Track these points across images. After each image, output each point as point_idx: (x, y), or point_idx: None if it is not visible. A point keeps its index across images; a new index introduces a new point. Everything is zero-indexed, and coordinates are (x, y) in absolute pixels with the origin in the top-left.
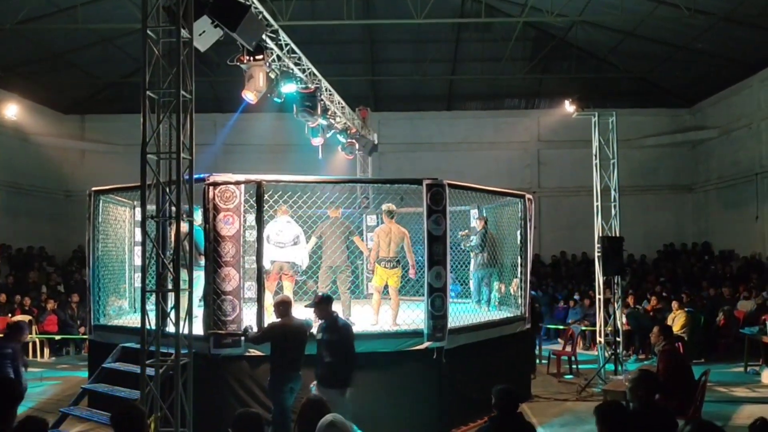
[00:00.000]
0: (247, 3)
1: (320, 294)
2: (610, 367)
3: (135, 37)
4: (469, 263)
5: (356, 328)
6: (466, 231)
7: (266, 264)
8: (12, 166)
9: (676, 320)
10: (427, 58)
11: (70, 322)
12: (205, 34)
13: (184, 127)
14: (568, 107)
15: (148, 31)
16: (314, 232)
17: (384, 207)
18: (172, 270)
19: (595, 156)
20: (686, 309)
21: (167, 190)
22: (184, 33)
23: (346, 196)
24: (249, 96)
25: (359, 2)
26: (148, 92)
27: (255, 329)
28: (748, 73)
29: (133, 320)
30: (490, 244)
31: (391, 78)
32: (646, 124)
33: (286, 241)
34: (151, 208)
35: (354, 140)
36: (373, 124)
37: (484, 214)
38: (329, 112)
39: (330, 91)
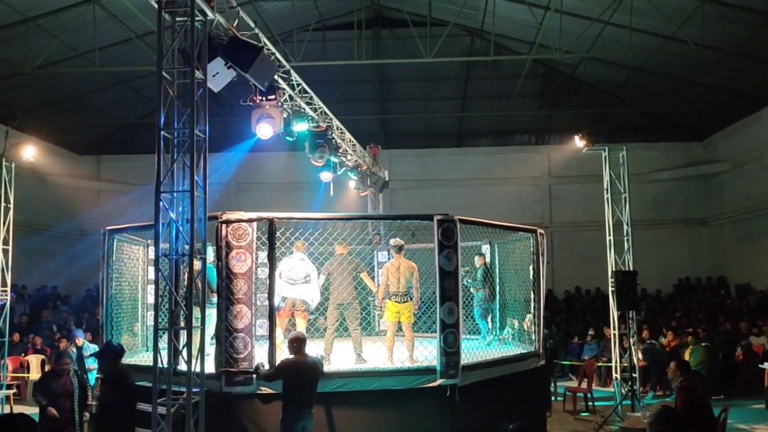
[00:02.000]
0: (260, 45)
1: (113, 344)
2: (627, 403)
3: (150, 78)
4: (471, 298)
5: (369, 365)
6: (467, 268)
7: (277, 300)
8: (28, 206)
9: (694, 355)
10: (437, 96)
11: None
12: (218, 75)
13: (197, 166)
14: (579, 142)
15: (163, 73)
16: (323, 270)
17: (392, 242)
18: (184, 308)
19: (607, 190)
20: (703, 344)
21: (181, 228)
22: (198, 74)
23: (357, 232)
24: (266, 131)
25: (370, 42)
26: (162, 132)
27: (266, 366)
28: (757, 106)
29: (145, 358)
30: (489, 281)
31: (401, 116)
32: (657, 158)
33: (297, 278)
34: (165, 246)
35: (365, 177)
36: (383, 161)
37: (483, 252)
38: (340, 150)
39: (341, 129)
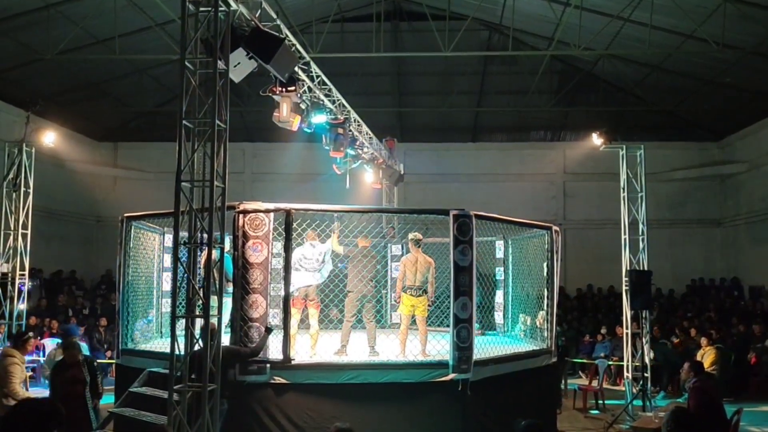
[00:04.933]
0: (281, 36)
1: None
2: (638, 403)
3: (168, 67)
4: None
5: (381, 358)
6: None
7: (293, 290)
8: (46, 191)
9: (706, 357)
10: (454, 90)
11: (97, 345)
12: (239, 65)
13: (217, 155)
14: (596, 140)
15: (186, 63)
16: (346, 252)
17: (410, 236)
18: (202, 296)
19: (623, 189)
20: (716, 345)
21: (200, 217)
22: (220, 64)
23: (373, 225)
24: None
25: (388, 35)
26: (184, 121)
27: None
28: None
29: (160, 345)
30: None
31: (417, 109)
32: (674, 158)
33: (309, 267)
34: (182, 234)
35: (380, 170)
36: (398, 154)
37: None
38: (357, 143)
39: (358, 122)
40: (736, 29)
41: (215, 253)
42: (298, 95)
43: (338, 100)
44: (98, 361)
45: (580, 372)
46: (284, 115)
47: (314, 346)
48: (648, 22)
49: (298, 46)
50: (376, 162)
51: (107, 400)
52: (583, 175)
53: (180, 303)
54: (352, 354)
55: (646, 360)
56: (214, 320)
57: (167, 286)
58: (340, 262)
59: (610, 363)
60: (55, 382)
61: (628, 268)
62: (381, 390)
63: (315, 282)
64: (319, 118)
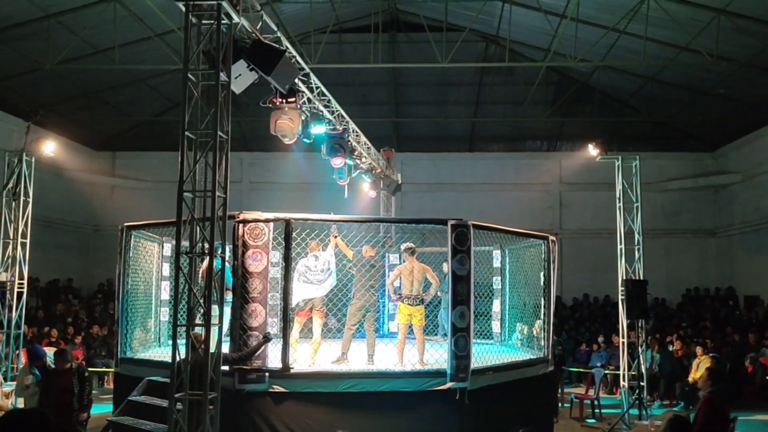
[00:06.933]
0: (282, 48)
1: None
2: (634, 412)
3: (167, 77)
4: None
5: (379, 367)
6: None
7: (295, 301)
8: (44, 200)
9: (701, 366)
10: (450, 101)
11: (93, 354)
12: (240, 77)
13: (219, 166)
14: (592, 150)
15: (188, 74)
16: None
17: (404, 246)
18: (203, 304)
19: (619, 199)
20: (711, 355)
21: (201, 226)
22: (222, 76)
23: (372, 234)
24: (286, 138)
25: (385, 46)
26: (186, 132)
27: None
28: None
29: (159, 354)
30: None
31: (414, 119)
32: (669, 168)
33: (313, 279)
34: (183, 244)
35: (378, 179)
36: (396, 164)
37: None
38: (356, 153)
39: (357, 132)
40: (730, 42)
41: (215, 262)
42: (298, 106)
43: (337, 111)
44: (91, 369)
45: (577, 381)
46: (298, 128)
47: (314, 356)
48: (643, 34)
49: (298, 58)
50: (374, 171)
51: (106, 408)
52: (579, 184)
53: (180, 311)
54: (351, 363)
55: (642, 369)
56: (198, 330)
57: (166, 295)
58: (348, 262)
59: (607, 372)
60: (45, 391)
61: (624, 278)
62: (379, 398)
63: (320, 294)
64: (318, 129)
